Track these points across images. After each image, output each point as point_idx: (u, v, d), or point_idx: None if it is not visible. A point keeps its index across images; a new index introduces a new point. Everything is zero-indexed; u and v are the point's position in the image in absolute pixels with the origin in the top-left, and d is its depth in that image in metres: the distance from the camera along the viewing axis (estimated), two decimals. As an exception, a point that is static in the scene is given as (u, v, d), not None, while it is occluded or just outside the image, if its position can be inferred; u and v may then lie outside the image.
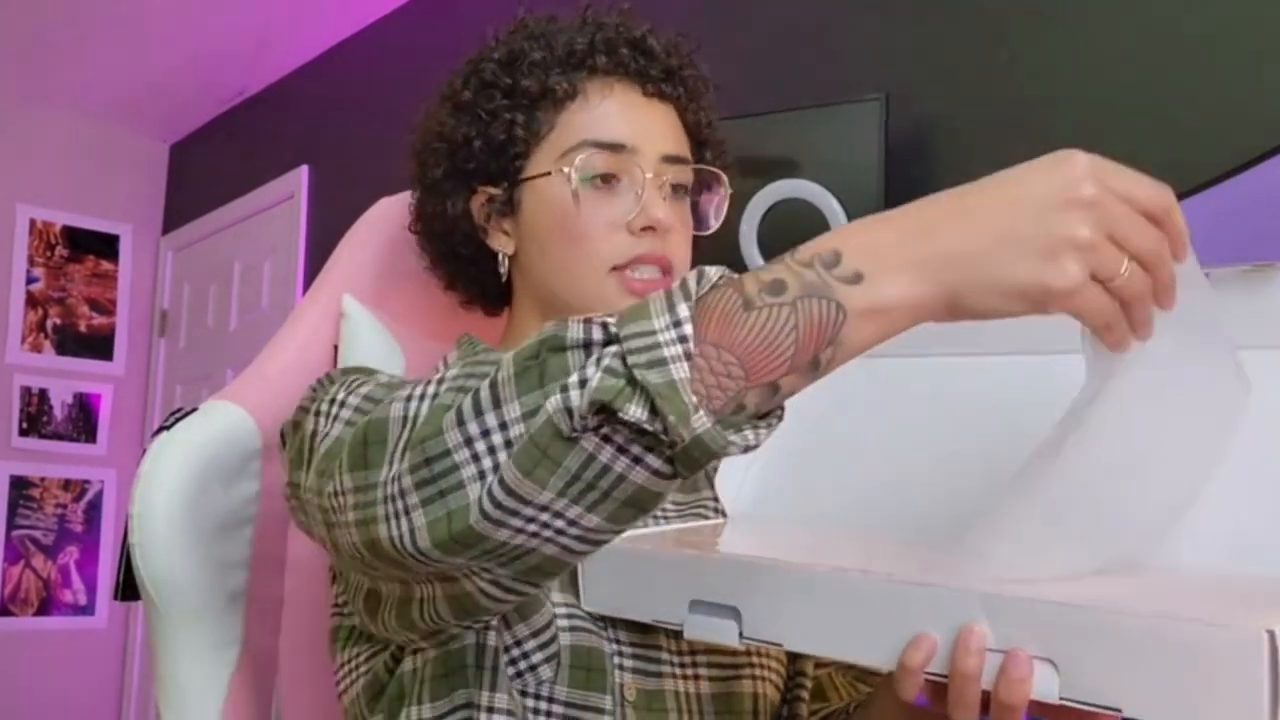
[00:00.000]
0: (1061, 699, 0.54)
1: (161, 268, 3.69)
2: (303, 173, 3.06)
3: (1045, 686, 0.54)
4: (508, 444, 0.56)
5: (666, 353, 0.53)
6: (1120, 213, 0.53)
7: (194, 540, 0.91)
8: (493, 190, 0.87)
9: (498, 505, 0.57)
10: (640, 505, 0.58)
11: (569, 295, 0.86)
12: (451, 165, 0.88)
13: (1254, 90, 1.33)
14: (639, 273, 0.84)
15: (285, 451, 0.73)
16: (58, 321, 3.51)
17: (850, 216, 1.31)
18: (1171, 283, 0.56)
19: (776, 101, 1.70)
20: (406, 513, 0.59)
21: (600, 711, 0.75)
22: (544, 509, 0.57)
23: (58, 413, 3.47)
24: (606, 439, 0.55)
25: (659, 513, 0.85)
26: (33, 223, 3.48)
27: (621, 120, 0.85)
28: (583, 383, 0.54)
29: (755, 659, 0.82)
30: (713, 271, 0.57)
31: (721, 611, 0.66)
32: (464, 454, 0.57)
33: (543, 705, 0.75)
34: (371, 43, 2.95)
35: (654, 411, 0.53)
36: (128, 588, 0.90)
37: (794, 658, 0.87)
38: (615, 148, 0.84)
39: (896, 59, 1.74)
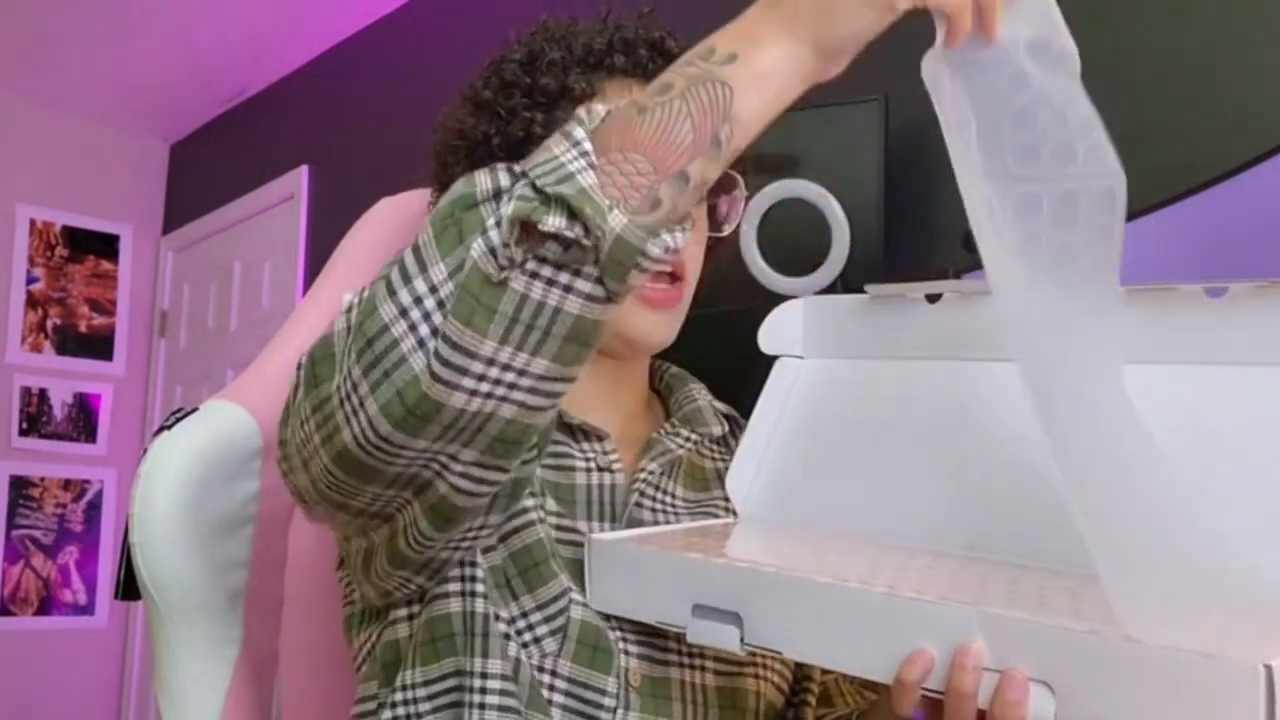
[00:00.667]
0: None
1: (161, 268, 3.69)
2: (303, 173, 3.06)
3: (1041, 708, 0.54)
4: (440, 305, 0.58)
5: (573, 168, 0.57)
6: None
7: (194, 540, 0.91)
8: None
9: (446, 364, 0.58)
10: (582, 339, 0.60)
11: None
12: (470, 164, 0.89)
13: (1254, 91, 1.33)
14: (651, 280, 0.83)
15: None
16: (58, 321, 3.51)
17: (850, 216, 1.30)
18: None
19: (776, 102, 1.69)
20: (361, 404, 0.61)
21: (603, 693, 0.75)
22: (490, 362, 0.58)
23: (58, 413, 3.46)
24: (534, 275, 0.58)
25: (670, 510, 0.86)
26: (33, 223, 3.48)
27: None
28: (499, 222, 0.57)
29: (760, 659, 0.82)
30: (600, 108, 0.61)
31: (724, 617, 0.66)
32: (401, 326, 0.59)
33: (545, 678, 0.75)
34: (371, 43, 2.95)
35: (573, 217, 0.56)
36: (128, 587, 0.90)
37: (800, 663, 0.87)
38: None
39: (896, 59, 1.73)
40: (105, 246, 3.61)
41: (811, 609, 0.62)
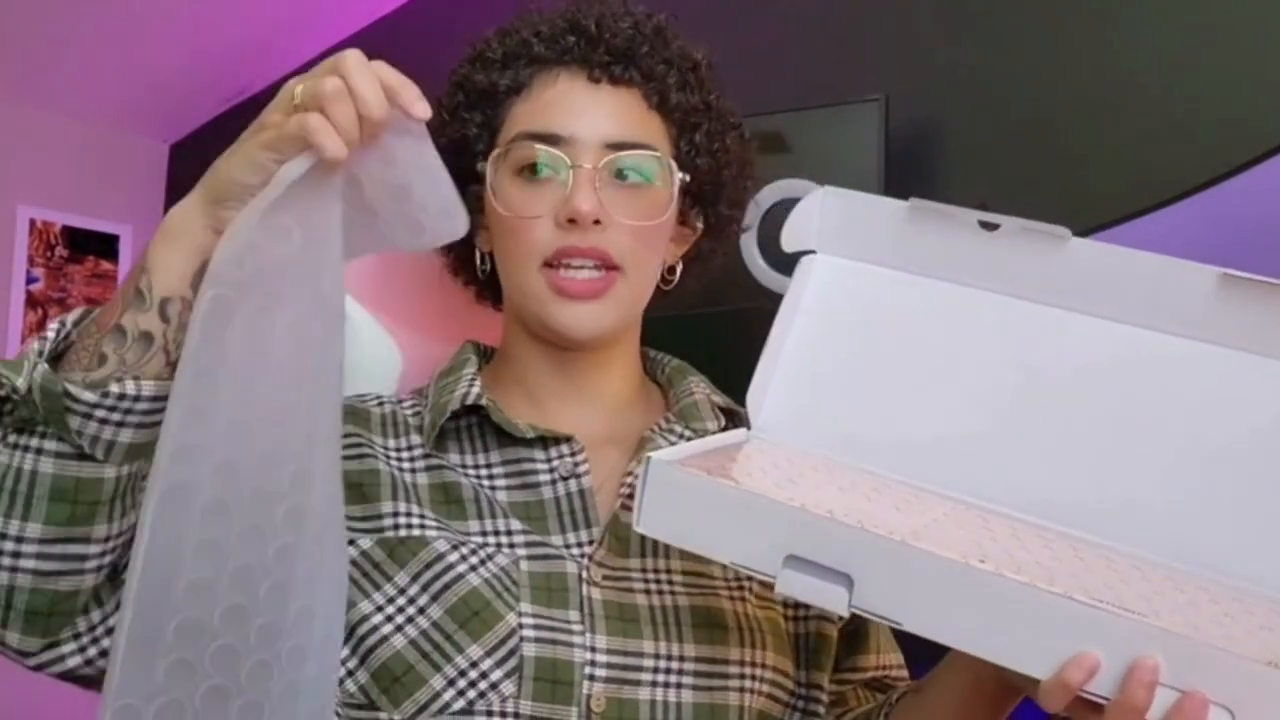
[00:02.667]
0: None
1: (161, 268, 3.68)
2: (303, 173, 3.05)
3: None
4: None
5: (27, 348, 0.65)
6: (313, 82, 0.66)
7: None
8: (477, 188, 0.87)
9: None
10: (69, 498, 0.64)
11: (513, 291, 0.86)
12: None
13: (1254, 91, 1.33)
14: (567, 270, 0.81)
15: None
16: (58, 322, 3.51)
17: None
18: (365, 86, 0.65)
19: (776, 101, 1.69)
20: None
21: None
22: None
23: (58, 413, 3.46)
24: (5, 443, 0.64)
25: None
26: (33, 223, 3.48)
27: (556, 109, 0.83)
28: None
29: (748, 669, 0.79)
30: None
31: (829, 575, 0.62)
32: None
33: None
34: (371, 43, 2.95)
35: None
36: (126, 588, 0.90)
37: (809, 667, 0.84)
38: (549, 138, 0.81)
39: (896, 59, 1.74)
40: (105, 247, 3.61)
41: (955, 591, 0.59)
